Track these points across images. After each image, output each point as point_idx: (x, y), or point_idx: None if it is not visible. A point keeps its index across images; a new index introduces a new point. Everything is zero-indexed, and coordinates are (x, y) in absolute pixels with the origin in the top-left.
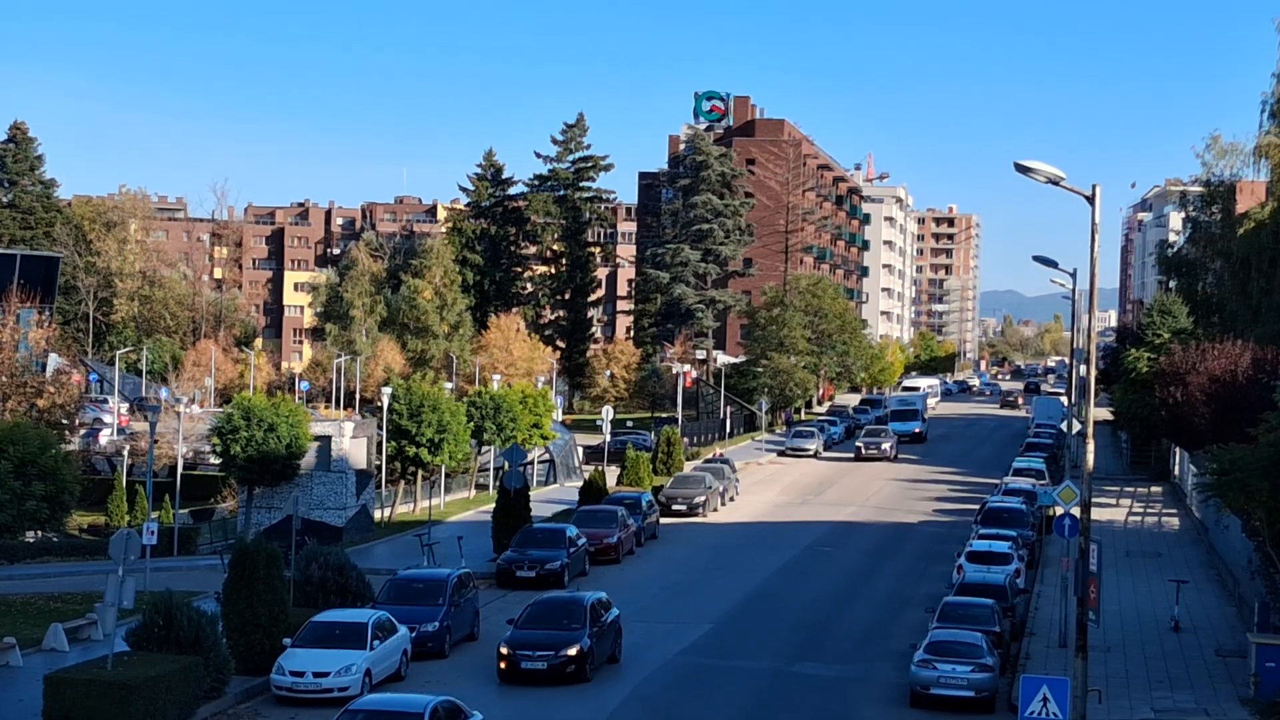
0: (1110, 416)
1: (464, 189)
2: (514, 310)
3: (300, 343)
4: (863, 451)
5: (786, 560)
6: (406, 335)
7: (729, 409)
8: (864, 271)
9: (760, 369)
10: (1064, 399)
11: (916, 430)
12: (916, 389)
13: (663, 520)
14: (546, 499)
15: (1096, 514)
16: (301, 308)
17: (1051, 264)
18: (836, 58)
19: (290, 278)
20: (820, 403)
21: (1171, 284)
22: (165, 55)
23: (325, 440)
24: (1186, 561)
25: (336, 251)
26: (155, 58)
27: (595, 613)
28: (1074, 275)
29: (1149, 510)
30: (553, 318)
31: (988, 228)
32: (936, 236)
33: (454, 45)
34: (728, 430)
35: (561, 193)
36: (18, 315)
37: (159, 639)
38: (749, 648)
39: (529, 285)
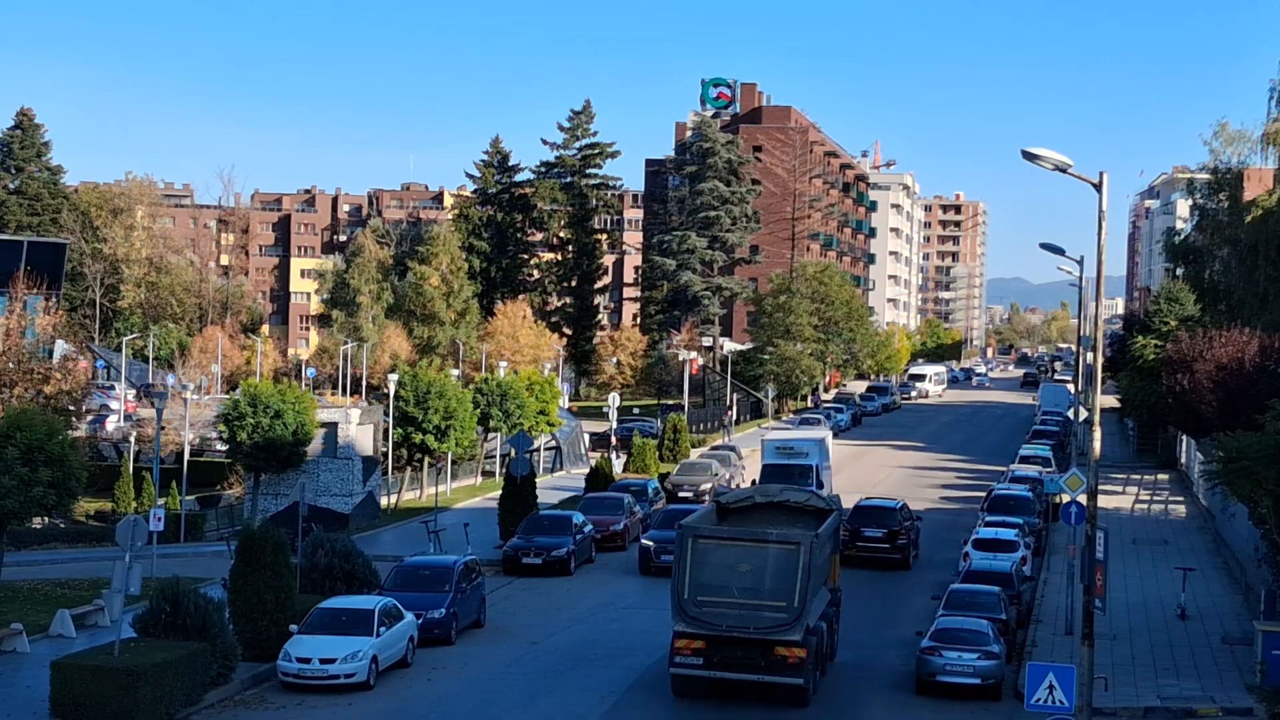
0: (1117, 404)
1: (471, 176)
2: (520, 297)
3: (307, 329)
4: (652, 560)
5: None
6: (413, 322)
7: (735, 396)
8: (870, 259)
9: (766, 356)
10: (1070, 386)
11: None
12: (821, 419)
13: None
14: (553, 486)
15: (1103, 501)
16: (308, 294)
17: (1059, 251)
18: (844, 45)
19: (297, 264)
20: (827, 390)
21: (1178, 271)
22: (172, 42)
23: (332, 427)
24: (1193, 549)
25: (343, 238)
26: (162, 44)
27: None
28: (1081, 263)
29: (1155, 498)
30: (559, 305)
31: (995, 215)
32: (943, 224)
33: (461, 32)
34: (734, 417)
35: (568, 180)
36: (25, 302)
37: (166, 625)
38: None
39: (535, 272)
